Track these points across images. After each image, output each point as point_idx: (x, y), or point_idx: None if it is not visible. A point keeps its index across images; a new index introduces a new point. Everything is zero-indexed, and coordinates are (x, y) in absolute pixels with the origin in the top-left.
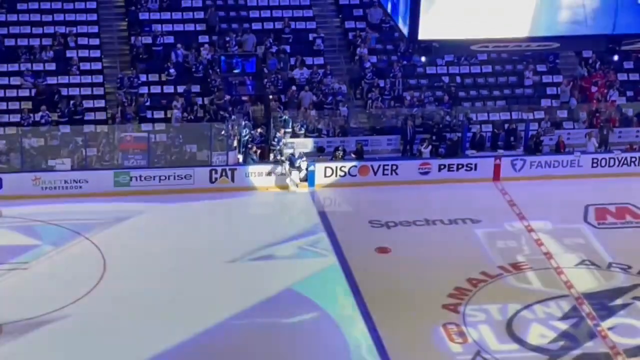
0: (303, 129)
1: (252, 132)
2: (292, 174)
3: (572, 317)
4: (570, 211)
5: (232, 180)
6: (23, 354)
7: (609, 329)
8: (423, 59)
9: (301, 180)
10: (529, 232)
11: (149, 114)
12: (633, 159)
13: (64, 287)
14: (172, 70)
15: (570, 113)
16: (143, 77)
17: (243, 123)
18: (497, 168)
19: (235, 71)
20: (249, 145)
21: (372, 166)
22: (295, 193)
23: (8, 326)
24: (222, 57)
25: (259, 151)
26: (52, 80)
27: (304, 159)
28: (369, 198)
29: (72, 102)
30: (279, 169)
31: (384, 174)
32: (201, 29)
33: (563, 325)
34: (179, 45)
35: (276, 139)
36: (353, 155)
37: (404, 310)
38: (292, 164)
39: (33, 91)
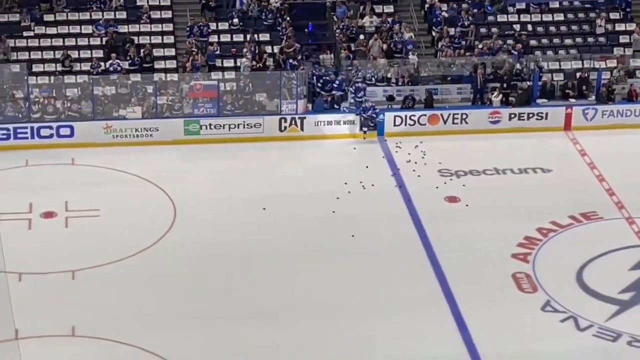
0: (373, 78)
1: (328, 78)
2: None
3: None
4: None
5: (302, 129)
6: (93, 299)
7: None
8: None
9: (370, 128)
10: (600, 182)
11: (218, 63)
12: None
13: (134, 234)
14: (235, 20)
15: None
16: (213, 26)
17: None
18: (568, 117)
19: (305, 20)
20: (323, 93)
21: (441, 115)
22: (365, 141)
23: (79, 272)
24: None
25: (329, 98)
26: (122, 28)
27: (376, 110)
28: (439, 147)
29: (142, 50)
30: None
31: (453, 123)
32: None
33: (634, 276)
34: None
35: (354, 88)
36: (422, 105)
37: (473, 259)
38: None
39: (104, 40)
